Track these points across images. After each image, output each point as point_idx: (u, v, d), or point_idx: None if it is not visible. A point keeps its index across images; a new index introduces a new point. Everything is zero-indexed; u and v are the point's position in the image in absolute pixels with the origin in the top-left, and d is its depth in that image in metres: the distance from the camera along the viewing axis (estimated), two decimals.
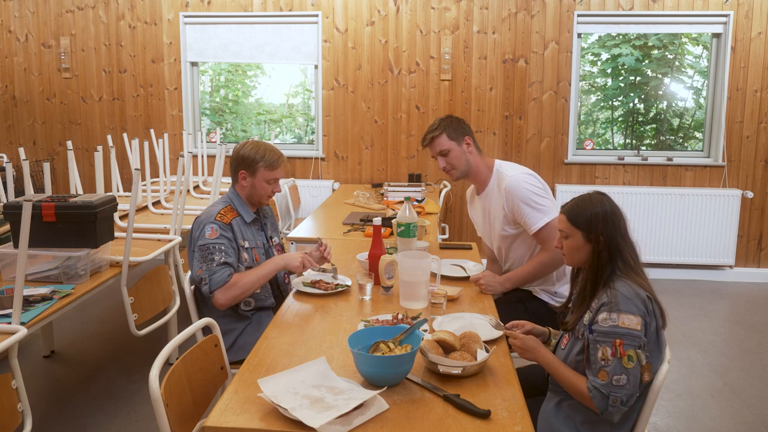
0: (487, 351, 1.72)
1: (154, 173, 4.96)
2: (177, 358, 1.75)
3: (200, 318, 2.05)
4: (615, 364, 1.60)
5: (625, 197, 5.04)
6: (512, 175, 2.54)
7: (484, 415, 1.46)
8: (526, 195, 2.46)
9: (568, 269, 2.51)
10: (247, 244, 2.45)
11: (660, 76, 5.49)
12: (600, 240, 1.74)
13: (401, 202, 4.10)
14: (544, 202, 2.47)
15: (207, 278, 2.29)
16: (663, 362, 1.70)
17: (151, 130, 4.66)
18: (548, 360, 1.78)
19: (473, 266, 2.70)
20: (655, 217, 5.06)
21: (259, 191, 2.50)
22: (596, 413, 1.65)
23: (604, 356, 1.61)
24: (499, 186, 2.57)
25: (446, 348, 1.76)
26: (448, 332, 1.78)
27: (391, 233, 3.25)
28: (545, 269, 2.51)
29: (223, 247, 2.33)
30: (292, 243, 3.34)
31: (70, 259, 2.53)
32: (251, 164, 2.46)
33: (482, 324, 2.04)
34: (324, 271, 2.51)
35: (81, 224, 2.59)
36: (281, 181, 5.03)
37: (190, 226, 3.53)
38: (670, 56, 5.46)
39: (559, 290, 2.58)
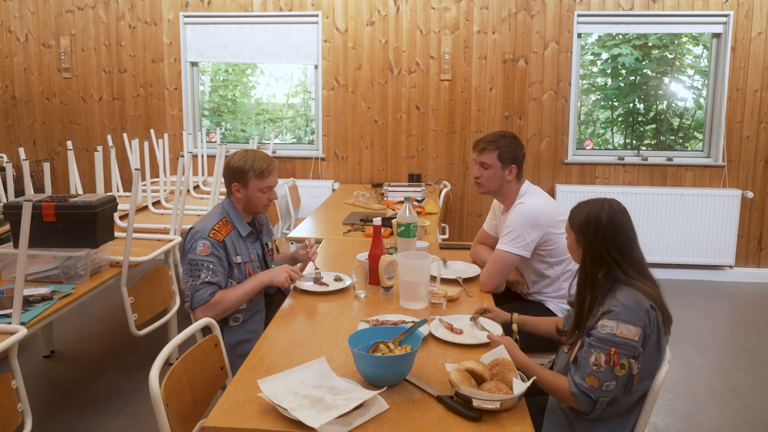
0: (524, 380, 1.59)
1: (154, 173, 4.96)
2: (177, 358, 1.76)
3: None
4: (607, 372, 1.60)
5: (625, 197, 5.03)
6: (526, 203, 2.53)
7: (474, 418, 1.46)
8: (517, 220, 2.48)
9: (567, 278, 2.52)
10: (239, 259, 2.40)
11: (660, 76, 5.49)
12: (589, 246, 1.74)
13: (401, 202, 4.10)
14: (522, 239, 2.45)
15: (189, 295, 2.27)
16: (663, 362, 1.71)
17: (151, 130, 4.65)
18: (524, 362, 1.73)
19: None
20: (655, 217, 5.06)
21: (254, 202, 2.44)
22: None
23: (597, 362, 1.61)
24: None
25: (476, 378, 1.59)
26: (477, 361, 1.63)
27: (391, 233, 3.25)
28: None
29: (211, 266, 2.28)
30: (292, 243, 3.34)
31: (70, 259, 2.53)
32: (242, 175, 2.41)
33: (484, 323, 2.03)
34: (315, 280, 2.45)
35: (81, 224, 2.59)
36: (281, 181, 5.05)
37: (190, 227, 3.53)
38: (670, 56, 5.46)
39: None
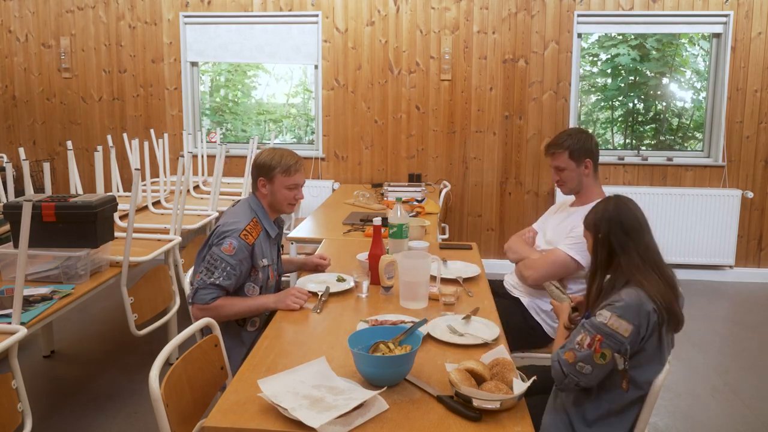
0: (524, 380, 1.57)
1: (154, 173, 4.95)
2: (177, 358, 1.76)
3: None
4: (586, 354, 1.63)
5: None
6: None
7: (474, 418, 1.46)
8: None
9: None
10: (265, 262, 2.39)
11: (659, 76, 5.49)
12: (599, 235, 1.78)
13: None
14: (585, 245, 2.40)
15: (194, 288, 2.27)
16: (664, 363, 1.71)
17: (151, 130, 4.65)
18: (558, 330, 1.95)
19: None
20: (655, 217, 5.06)
21: (279, 198, 2.43)
22: (594, 409, 1.70)
23: (581, 342, 1.64)
24: None
25: (476, 378, 1.58)
26: (477, 361, 1.62)
27: None
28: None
29: (228, 268, 2.25)
30: (291, 243, 3.35)
31: (70, 259, 2.53)
32: (268, 171, 2.41)
33: (481, 327, 2.03)
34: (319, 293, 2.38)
35: (81, 224, 2.59)
36: None
37: (190, 226, 3.52)
38: (669, 56, 5.46)
39: (544, 307, 2.59)
